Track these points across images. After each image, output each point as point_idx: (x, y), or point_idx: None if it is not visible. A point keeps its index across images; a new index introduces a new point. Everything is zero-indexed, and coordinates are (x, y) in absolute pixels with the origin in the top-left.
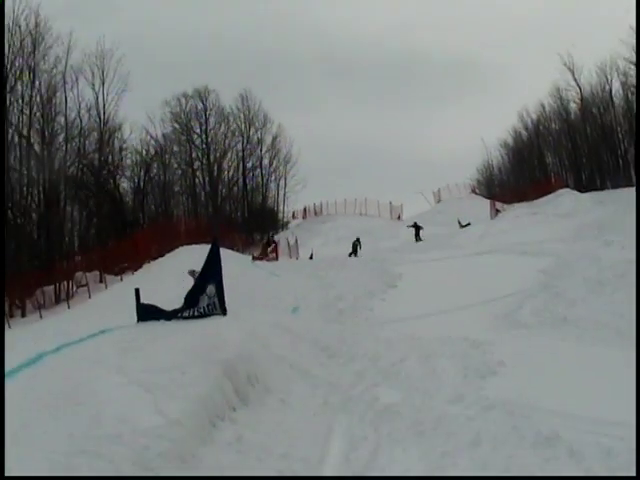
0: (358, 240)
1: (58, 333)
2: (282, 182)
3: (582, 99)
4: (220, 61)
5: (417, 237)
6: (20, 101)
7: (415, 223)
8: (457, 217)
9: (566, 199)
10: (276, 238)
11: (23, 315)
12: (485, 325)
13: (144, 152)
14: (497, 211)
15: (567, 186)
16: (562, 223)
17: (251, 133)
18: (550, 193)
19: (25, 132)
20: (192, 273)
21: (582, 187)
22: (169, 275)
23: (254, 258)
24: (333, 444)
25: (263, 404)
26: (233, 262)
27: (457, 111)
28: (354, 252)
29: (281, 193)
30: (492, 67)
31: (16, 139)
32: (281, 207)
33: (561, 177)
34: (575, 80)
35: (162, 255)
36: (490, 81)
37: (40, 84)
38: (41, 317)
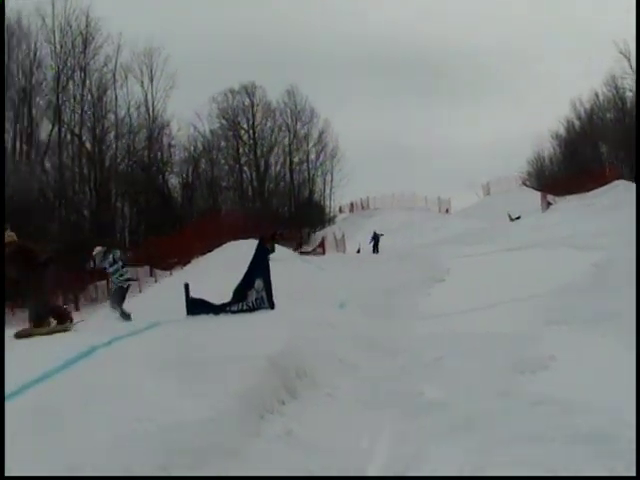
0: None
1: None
2: (328, 177)
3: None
4: (262, 58)
5: (375, 249)
6: (72, 100)
7: (374, 233)
8: (507, 210)
9: (621, 190)
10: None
11: (77, 309)
12: (533, 320)
13: (192, 148)
14: (548, 203)
15: (622, 177)
16: (615, 215)
17: (297, 128)
18: (604, 184)
19: (77, 130)
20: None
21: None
22: (216, 270)
23: (302, 253)
24: (378, 438)
25: (311, 398)
26: (279, 256)
27: (503, 102)
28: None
29: (327, 188)
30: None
31: (69, 137)
32: (327, 202)
33: (618, 167)
34: (631, 68)
35: (210, 250)
36: (536, 72)
37: (91, 83)
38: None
